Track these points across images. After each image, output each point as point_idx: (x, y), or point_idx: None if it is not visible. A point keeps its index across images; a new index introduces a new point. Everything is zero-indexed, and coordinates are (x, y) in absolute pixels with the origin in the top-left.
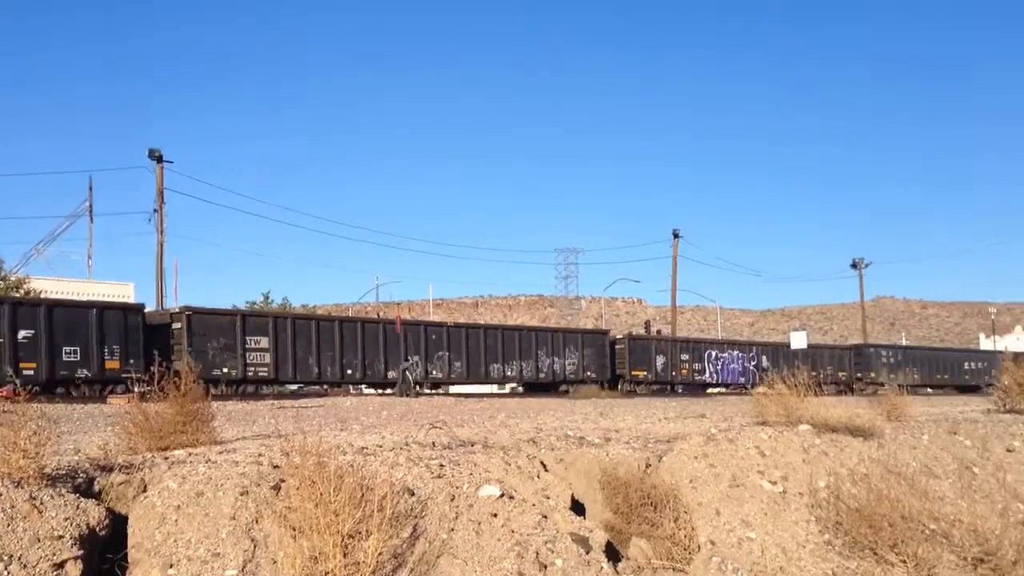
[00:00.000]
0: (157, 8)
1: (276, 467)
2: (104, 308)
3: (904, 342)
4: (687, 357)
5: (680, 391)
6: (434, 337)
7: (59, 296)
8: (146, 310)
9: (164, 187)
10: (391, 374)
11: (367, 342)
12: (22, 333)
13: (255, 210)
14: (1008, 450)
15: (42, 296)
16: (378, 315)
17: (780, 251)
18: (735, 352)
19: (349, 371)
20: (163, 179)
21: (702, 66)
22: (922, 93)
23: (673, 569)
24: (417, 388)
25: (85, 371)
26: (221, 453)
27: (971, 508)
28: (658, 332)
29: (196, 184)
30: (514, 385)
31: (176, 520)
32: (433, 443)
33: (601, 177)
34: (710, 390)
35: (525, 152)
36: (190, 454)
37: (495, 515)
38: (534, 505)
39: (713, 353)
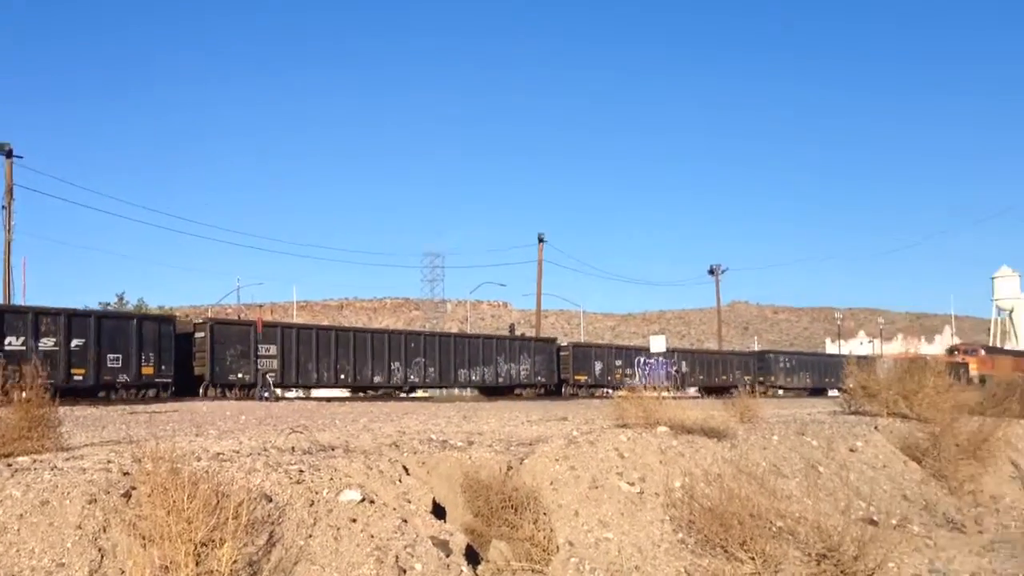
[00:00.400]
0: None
1: (127, 474)
2: (143, 319)
3: (756, 346)
4: (620, 363)
5: (610, 393)
6: (412, 345)
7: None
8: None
9: (13, 183)
10: (376, 378)
11: (357, 350)
12: (75, 342)
13: (110, 208)
14: (851, 450)
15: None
16: (239, 317)
17: (642, 256)
18: (660, 358)
19: (342, 376)
20: (12, 175)
21: (567, 65)
22: (772, 103)
23: (532, 571)
24: (404, 392)
25: (125, 376)
26: (68, 460)
27: (816, 506)
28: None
29: (49, 180)
30: (472, 389)
31: (19, 529)
32: (293, 448)
33: (468, 180)
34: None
35: (391, 153)
36: (35, 461)
37: (355, 520)
38: (395, 509)
39: (642, 359)
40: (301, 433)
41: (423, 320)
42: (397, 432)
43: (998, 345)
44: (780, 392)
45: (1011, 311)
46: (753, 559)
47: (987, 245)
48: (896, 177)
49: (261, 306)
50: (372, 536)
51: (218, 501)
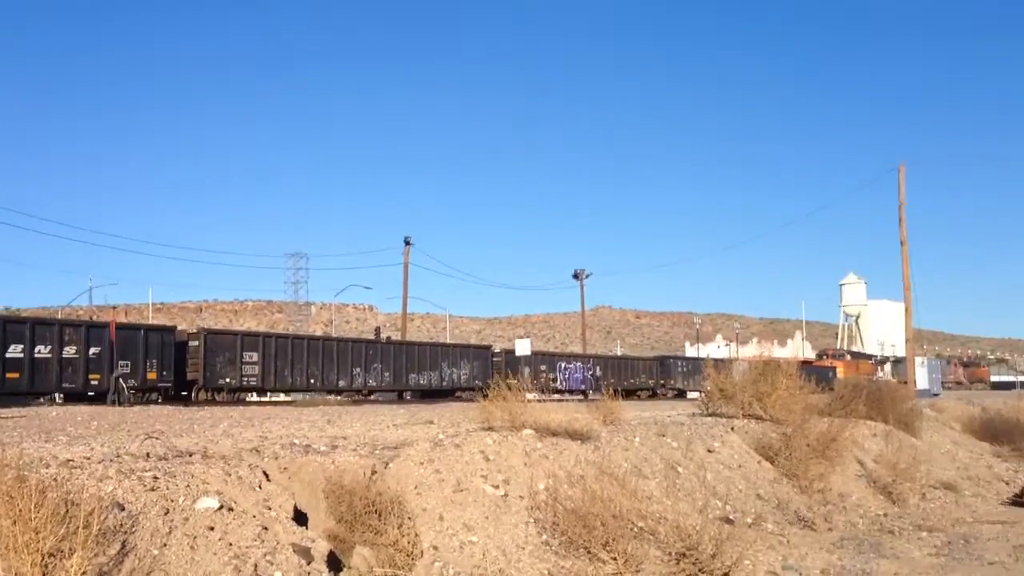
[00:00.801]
0: None
1: None
2: (148, 330)
3: (619, 350)
4: (545, 367)
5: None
6: (371, 353)
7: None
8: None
9: None
10: (341, 383)
11: (325, 357)
12: (92, 350)
13: None
14: (709, 451)
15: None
16: (91, 318)
17: (508, 261)
18: (578, 363)
19: (312, 380)
20: None
21: (436, 65)
22: (635, 110)
23: None
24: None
25: (133, 381)
26: None
27: (675, 506)
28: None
29: None
30: (414, 393)
31: None
32: (148, 454)
33: (333, 181)
34: (559, 395)
35: (253, 152)
36: None
37: (212, 528)
38: (255, 517)
39: (563, 364)
40: (157, 439)
41: (286, 323)
42: (258, 437)
43: (845, 348)
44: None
45: (857, 316)
46: (615, 559)
47: (835, 251)
48: (746, 180)
49: (115, 308)
50: (230, 544)
51: (67, 510)
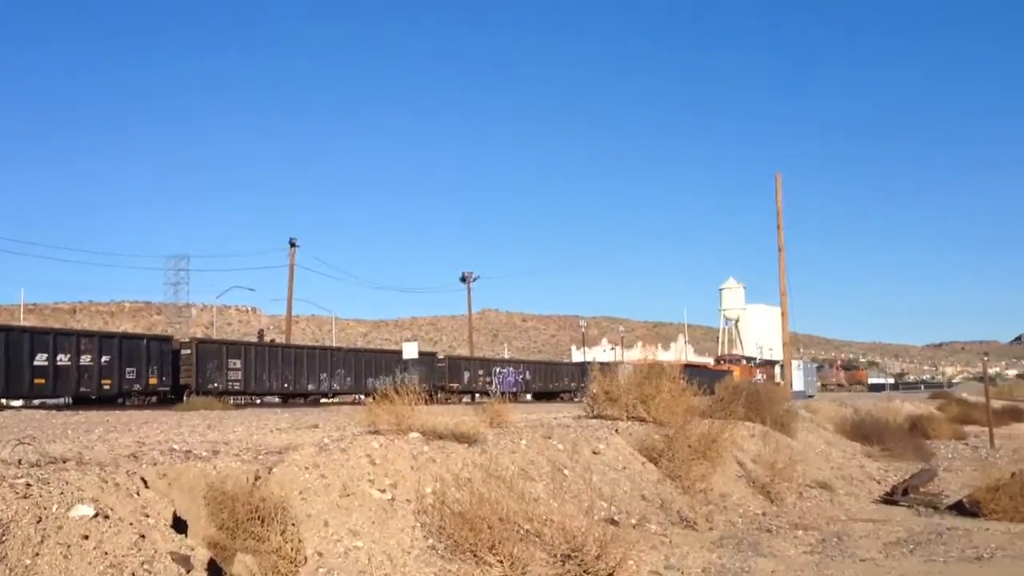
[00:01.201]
0: None
1: None
2: (150, 340)
3: (507, 353)
4: (482, 372)
5: (477, 397)
6: (334, 359)
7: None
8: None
9: None
10: (310, 386)
11: (297, 363)
12: (104, 358)
13: None
14: (594, 452)
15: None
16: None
17: (394, 263)
18: (510, 368)
19: (286, 385)
20: None
21: (322, 64)
22: (517, 114)
23: None
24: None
25: (138, 386)
26: None
27: (561, 508)
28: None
29: None
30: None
31: None
32: (20, 460)
33: (215, 181)
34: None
35: (133, 152)
36: None
37: (87, 537)
38: (132, 524)
39: (497, 369)
40: (29, 444)
41: (165, 325)
42: (136, 443)
43: (727, 352)
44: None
45: (737, 320)
46: (501, 562)
47: (716, 256)
48: (630, 186)
49: None
50: (106, 553)
51: None
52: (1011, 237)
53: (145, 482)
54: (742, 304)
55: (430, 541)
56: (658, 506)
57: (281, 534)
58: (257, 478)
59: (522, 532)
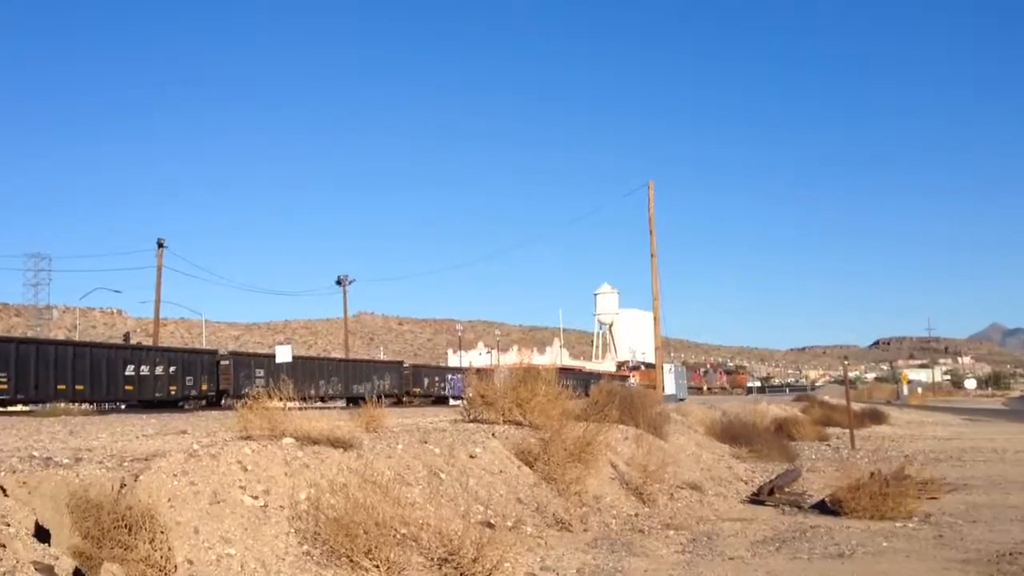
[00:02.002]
0: None
1: None
2: (201, 353)
3: (383, 356)
4: (438, 379)
5: (434, 400)
6: (330, 368)
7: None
8: None
9: None
10: (312, 391)
11: (305, 371)
12: (171, 368)
13: None
14: (471, 456)
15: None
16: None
17: (266, 266)
18: (459, 376)
19: (300, 390)
20: None
21: (187, 65)
22: (391, 125)
23: None
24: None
25: (194, 391)
26: None
27: (438, 512)
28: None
29: None
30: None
31: None
32: None
33: (80, 179)
34: (452, 401)
35: None
36: None
37: None
38: None
39: (450, 376)
40: None
41: (25, 327)
42: None
43: (599, 357)
44: None
45: (611, 325)
46: (378, 567)
47: (590, 261)
48: (505, 191)
49: None
50: None
51: None
52: (869, 247)
53: (4, 490)
54: (616, 309)
55: (305, 547)
56: (534, 509)
57: (149, 542)
58: (123, 486)
59: (399, 536)
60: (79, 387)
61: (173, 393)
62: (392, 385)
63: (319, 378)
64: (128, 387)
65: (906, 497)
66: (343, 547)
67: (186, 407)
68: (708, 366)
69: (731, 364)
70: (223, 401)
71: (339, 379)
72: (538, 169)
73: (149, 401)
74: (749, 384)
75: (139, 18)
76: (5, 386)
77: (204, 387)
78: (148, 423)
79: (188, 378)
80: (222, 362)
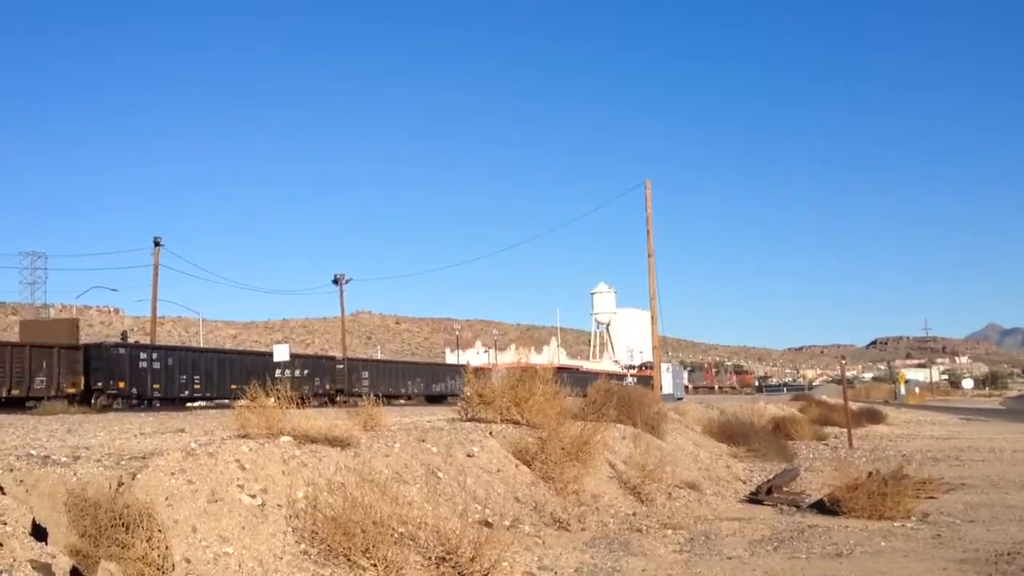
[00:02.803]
0: None
1: None
2: (326, 359)
3: (380, 355)
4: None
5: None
6: (360, 365)
7: None
8: None
9: None
10: (351, 389)
11: (347, 371)
12: (306, 371)
13: None
14: (468, 455)
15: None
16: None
17: (264, 264)
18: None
19: (340, 388)
20: None
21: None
22: (389, 124)
23: None
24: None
25: (320, 390)
26: None
27: (436, 511)
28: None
29: None
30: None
31: None
32: None
33: (77, 176)
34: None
35: None
36: None
37: None
38: None
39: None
40: None
41: None
42: None
43: (597, 356)
44: None
45: (608, 324)
46: (375, 566)
47: (588, 261)
48: (503, 191)
49: None
50: None
51: None
52: (866, 247)
53: (1, 489)
54: (613, 308)
55: (302, 546)
56: (532, 508)
57: (147, 541)
58: (120, 484)
59: (396, 535)
60: (246, 386)
61: (306, 391)
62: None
63: (407, 379)
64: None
65: (904, 497)
66: (341, 546)
67: (314, 403)
68: (710, 366)
69: (741, 364)
70: (338, 398)
71: (421, 379)
72: (536, 169)
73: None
74: (728, 384)
75: (139, 18)
76: (199, 386)
77: (328, 386)
78: (146, 421)
79: (316, 379)
80: (338, 366)
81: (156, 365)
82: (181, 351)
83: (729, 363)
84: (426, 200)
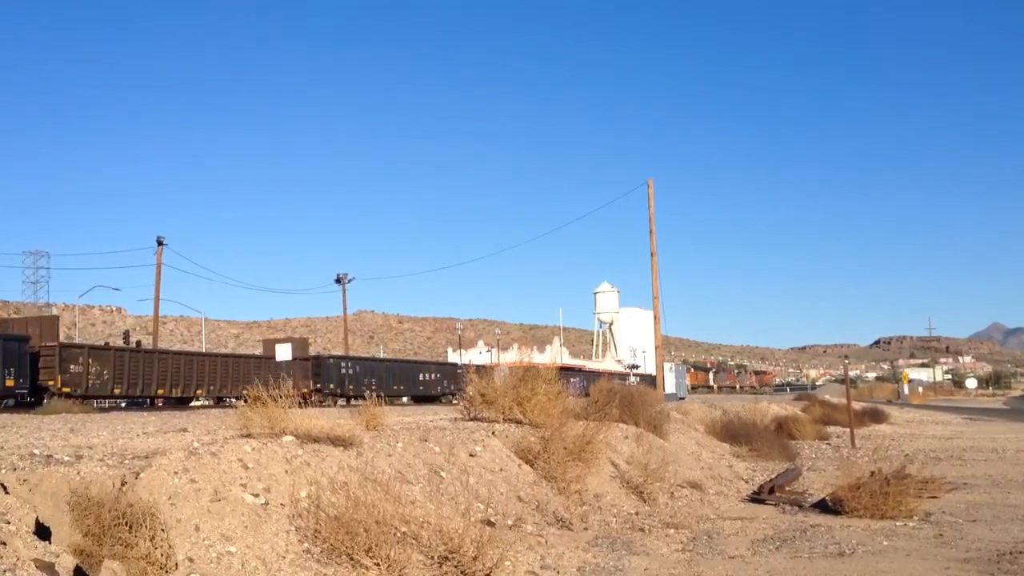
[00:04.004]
0: None
1: None
2: (448, 364)
3: (382, 354)
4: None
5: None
6: (371, 366)
7: None
8: None
9: None
10: (364, 391)
11: (378, 371)
12: (437, 375)
13: None
14: (471, 455)
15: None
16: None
17: (268, 264)
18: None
19: (364, 388)
20: None
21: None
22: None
23: None
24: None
25: (447, 391)
26: None
27: (438, 510)
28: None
29: None
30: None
31: None
32: None
33: (79, 176)
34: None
35: None
36: None
37: None
38: None
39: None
40: None
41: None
42: None
43: (599, 356)
44: None
45: (611, 323)
46: (378, 565)
47: (590, 260)
48: (506, 190)
49: None
50: None
51: None
52: (870, 247)
53: (5, 488)
54: (616, 307)
55: (305, 545)
56: (534, 507)
57: (150, 540)
58: (124, 483)
59: (399, 535)
60: (400, 387)
61: (433, 393)
62: (437, 382)
63: (363, 377)
64: (420, 387)
65: (907, 496)
66: (344, 545)
67: (442, 401)
68: (712, 365)
69: (730, 363)
70: (441, 398)
71: (383, 376)
72: (538, 168)
73: (421, 397)
74: (749, 384)
75: (139, 18)
76: (376, 387)
77: (331, 386)
78: (148, 421)
79: (445, 381)
80: (343, 367)
81: (351, 371)
82: (366, 360)
83: (732, 363)
84: (429, 200)
